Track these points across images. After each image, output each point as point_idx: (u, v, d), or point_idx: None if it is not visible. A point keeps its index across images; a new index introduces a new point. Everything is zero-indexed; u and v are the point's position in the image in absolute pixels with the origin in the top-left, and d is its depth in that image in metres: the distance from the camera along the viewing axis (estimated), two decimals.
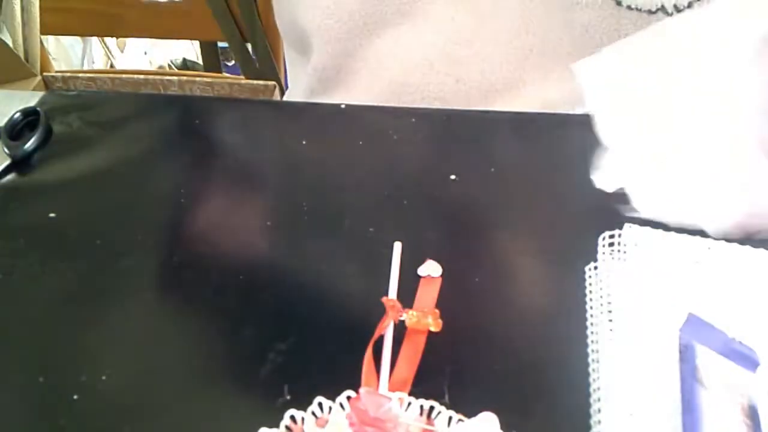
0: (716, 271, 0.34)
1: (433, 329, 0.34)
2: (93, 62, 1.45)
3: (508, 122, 0.47)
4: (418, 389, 0.31)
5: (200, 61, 1.46)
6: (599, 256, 0.36)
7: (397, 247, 0.38)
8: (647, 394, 0.30)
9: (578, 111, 0.51)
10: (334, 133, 0.47)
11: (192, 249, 0.39)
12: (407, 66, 0.52)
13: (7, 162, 0.45)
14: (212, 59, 1.16)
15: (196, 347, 0.35)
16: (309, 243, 0.39)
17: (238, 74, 1.03)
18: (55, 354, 0.34)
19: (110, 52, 1.48)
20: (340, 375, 0.31)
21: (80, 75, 0.94)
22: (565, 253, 0.37)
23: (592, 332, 0.33)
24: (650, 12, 0.45)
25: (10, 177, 0.45)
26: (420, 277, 0.36)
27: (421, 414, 0.30)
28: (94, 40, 1.44)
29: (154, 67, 1.58)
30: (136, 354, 0.34)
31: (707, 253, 0.35)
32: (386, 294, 0.35)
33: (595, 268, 0.36)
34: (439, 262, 0.37)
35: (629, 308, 0.33)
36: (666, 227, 0.36)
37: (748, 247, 0.35)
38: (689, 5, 0.45)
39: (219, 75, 1.09)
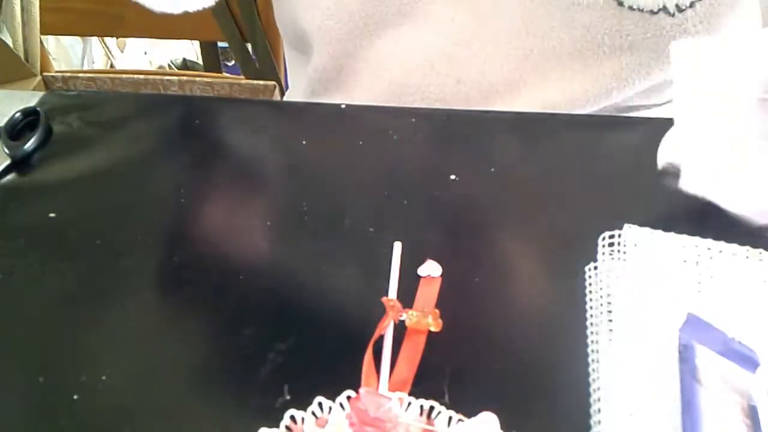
0: (716, 271, 0.34)
1: (433, 329, 0.34)
2: (93, 62, 1.45)
3: (508, 122, 0.47)
4: (418, 389, 0.31)
5: (200, 61, 1.46)
6: (599, 256, 0.36)
7: (397, 247, 0.38)
8: (647, 394, 0.30)
9: (579, 112, 0.51)
10: (334, 133, 0.47)
11: (192, 249, 0.39)
12: (408, 67, 0.52)
13: (7, 162, 0.45)
14: (212, 59, 1.16)
15: (196, 347, 0.35)
16: (309, 243, 0.39)
17: (238, 74, 1.03)
18: (55, 354, 0.34)
19: (110, 52, 1.48)
20: (340, 375, 0.31)
21: (80, 75, 0.94)
22: (565, 253, 0.37)
23: (592, 332, 0.33)
24: (652, 12, 0.45)
25: (10, 177, 0.45)
26: (420, 277, 0.36)
27: (421, 414, 0.30)
28: (94, 40, 1.44)
29: (154, 67, 1.58)
30: (136, 354, 0.34)
31: (707, 253, 0.35)
32: (386, 294, 0.35)
33: (595, 268, 0.36)
34: (439, 262, 0.37)
35: (629, 308, 0.33)
36: (667, 226, 0.36)
37: (747, 247, 0.35)
38: (691, 5, 0.45)
39: (219, 75, 1.09)
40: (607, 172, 0.43)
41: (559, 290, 0.36)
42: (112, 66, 1.50)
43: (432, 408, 0.30)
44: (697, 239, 0.36)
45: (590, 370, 0.32)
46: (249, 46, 0.96)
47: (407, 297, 0.35)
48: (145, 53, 1.57)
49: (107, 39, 1.46)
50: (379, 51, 0.52)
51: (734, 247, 0.35)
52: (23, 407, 0.32)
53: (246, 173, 0.45)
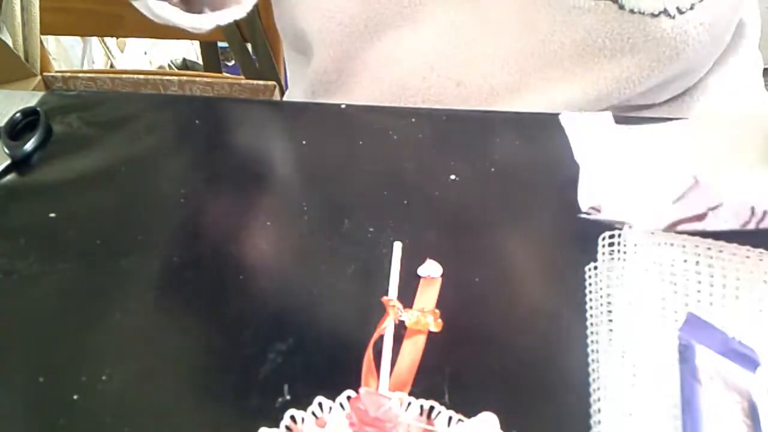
0: (716, 271, 0.35)
1: (433, 329, 0.34)
2: (93, 62, 1.45)
3: (508, 122, 0.47)
4: (418, 389, 0.31)
5: (200, 61, 1.46)
6: (599, 256, 0.36)
7: (397, 247, 0.38)
8: (647, 394, 0.30)
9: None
10: (334, 133, 0.47)
11: (192, 249, 0.39)
12: (408, 69, 0.52)
13: (7, 162, 0.45)
14: (212, 59, 1.16)
15: (196, 347, 0.35)
16: (309, 243, 0.39)
17: (238, 74, 1.03)
18: (55, 354, 0.34)
19: (110, 52, 1.48)
20: (340, 375, 0.31)
21: (80, 75, 0.94)
22: (565, 253, 0.37)
23: (592, 332, 0.33)
24: (653, 15, 0.45)
25: (10, 177, 0.45)
26: (420, 277, 0.36)
27: (421, 414, 0.30)
28: (94, 40, 1.44)
29: (154, 67, 1.58)
30: (136, 354, 0.34)
31: (707, 253, 0.35)
32: (386, 294, 0.35)
33: (595, 268, 0.36)
34: (439, 262, 0.37)
35: (629, 308, 0.33)
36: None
37: (747, 247, 0.35)
38: (692, 7, 0.45)
39: (219, 75, 1.09)
40: None
41: (559, 290, 0.36)
42: (112, 66, 1.50)
43: (432, 408, 0.30)
44: (697, 239, 0.36)
45: (590, 370, 0.32)
46: (249, 47, 0.96)
47: (407, 297, 0.35)
48: (145, 53, 1.57)
49: (107, 39, 1.46)
50: (380, 53, 0.52)
51: (734, 247, 0.35)
52: (23, 407, 0.32)
53: (246, 173, 0.45)
